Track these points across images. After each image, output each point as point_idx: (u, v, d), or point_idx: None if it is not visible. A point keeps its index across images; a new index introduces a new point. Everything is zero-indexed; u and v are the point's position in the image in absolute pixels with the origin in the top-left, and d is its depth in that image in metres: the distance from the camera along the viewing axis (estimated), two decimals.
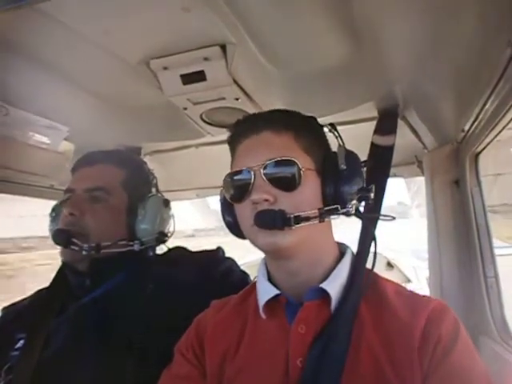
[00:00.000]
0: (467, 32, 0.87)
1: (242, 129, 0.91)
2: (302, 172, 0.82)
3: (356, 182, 0.87)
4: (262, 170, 0.82)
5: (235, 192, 0.86)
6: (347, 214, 0.87)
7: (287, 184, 0.82)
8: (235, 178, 0.86)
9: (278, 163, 0.82)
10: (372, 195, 0.88)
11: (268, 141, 0.85)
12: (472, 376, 0.74)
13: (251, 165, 0.83)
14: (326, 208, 0.84)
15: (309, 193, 0.83)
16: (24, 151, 1.35)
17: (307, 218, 0.80)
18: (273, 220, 0.78)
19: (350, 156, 0.89)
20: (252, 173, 0.83)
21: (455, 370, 0.73)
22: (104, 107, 1.27)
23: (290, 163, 0.82)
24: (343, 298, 0.84)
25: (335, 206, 0.84)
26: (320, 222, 0.83)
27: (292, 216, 0.78)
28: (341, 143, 0.92)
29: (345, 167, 0.86)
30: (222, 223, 0.96)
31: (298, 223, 0.79)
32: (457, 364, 0.74)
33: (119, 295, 1.14)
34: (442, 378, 0.73)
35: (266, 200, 0.80)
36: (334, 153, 0.91)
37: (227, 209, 0.94)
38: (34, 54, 0.99)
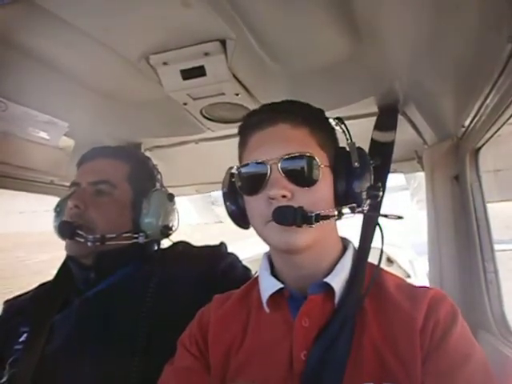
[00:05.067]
0: (467, 27, 0.87)
1: (257, 120, 0.89)
2: (319, 169, 0.82)
3: (367, 180, 0.87)
4: (279, 164, 0.81)
5: (248, 184, 0.85)
6: (360, 212, 0.87)
7: (305, 180, 0.81)
8: (249, 169, 0.85)
9: (296, 158, 0.81)
10: (381, 193, 0.88)
11: (285, 134, 0.84)
12: (470, 358, 0.75)
13: (267, 157, 0.82)
14: (346, 206, 0.84)
15: (324, 189, 0.84)
16: (23, 147, 1.35)
17: (327, 217, 0.80)
18: (293, 217, 0.77)
19: (361, 153, 0.89)
20: (268, 166, 0.81)
21: (453, 351, 0.75)
22: (104, 103, 1.27)
23: (308, 158, 0.81)
24: (346, 292, 0.84)
25: (353, 205, 0.85)
26: (337, 220, 0.84)
27: (313, 214, 0.78)
28: (349, 139, 0.91)
29: (358, 165, 0.86)
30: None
31: (317, 221, 0.78)
32: (454, 346, 0.75)
33: (123, 289, 1.15)
34: (440, 359, 0.74)
35: (284, 196, 0.80)
36: (344, 149, 0.91)
37: (231, 199, 0.93)
38: (32, 49, 0.98)
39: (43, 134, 1.36)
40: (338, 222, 0.91)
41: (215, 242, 1.34)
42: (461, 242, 1.38)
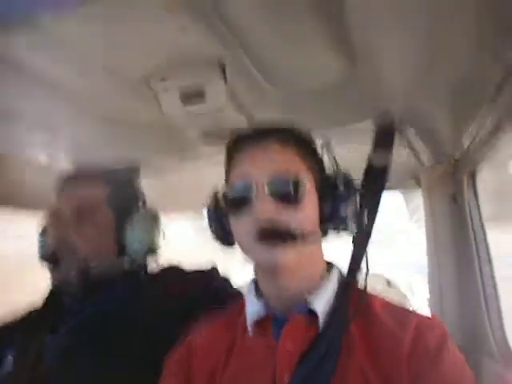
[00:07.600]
0: (464, 51, 0.88)
1: (245, 138, 0.90)
2: (305, 189, 0.83)
3: (351, 204, 0.88)
4: (266, 184, 0.82)
5: (235, 204, 0.86)
6: (343, 231, 0.89)
7: (291, 200, 0.82)
8: (236, 189, 0.86)
9: (283, 178, 0.82)
10: (366, 219, 0.92)
11: (273, 154, 0.85)
12: None
13: (254, 177, 0.83)
14: (330, 226, 0.86)
15: (310, 210, 0.85)
16: (20, 169, 1.34)
17: (312, 234, 0.81)
18: (279, 235, 0.78)
19: (346, 178, 0.90)
20: (254, 185, 0.82)
21: (441, 381, 0.73)
22: (102, 125, 1.27)
23: (294, 179, 0.83)
24: (330, 315, 0.84)
25: (337, 225, 0.86)
26: (322, 237, 0.86)
27: (298, 232, 0.79)
28: (334, 165, 0.93)
29: (342, 188, 0.87)
30: None
31: (303, 239, 0.79)
32: (443, 375, 0.74)
33: (109, 316, 1.13)
34: None
35: (270, 215, 0.80)
36: (331, 173, 0.92)
37: (215, 217, 0.93)
38: (30, 69, 0.98)
39: (41, 156, 1.36)
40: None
41: None
42: (460, 260, 1.38)
